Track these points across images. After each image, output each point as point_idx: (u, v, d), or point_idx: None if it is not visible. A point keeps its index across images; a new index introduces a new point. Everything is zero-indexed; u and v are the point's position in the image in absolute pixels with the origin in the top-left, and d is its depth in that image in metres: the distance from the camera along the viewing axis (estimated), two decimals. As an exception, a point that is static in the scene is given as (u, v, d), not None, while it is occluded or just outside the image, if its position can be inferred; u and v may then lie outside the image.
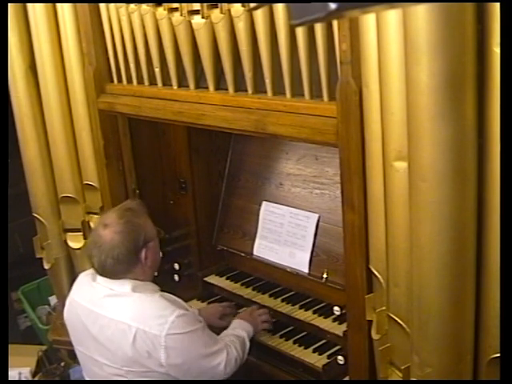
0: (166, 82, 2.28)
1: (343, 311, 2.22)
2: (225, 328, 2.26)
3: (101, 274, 2.02)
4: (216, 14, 1.94)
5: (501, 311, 1.37)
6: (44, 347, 3.19)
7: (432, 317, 1.48)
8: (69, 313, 2.14)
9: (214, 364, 2.00)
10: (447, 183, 1.37)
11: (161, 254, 2.17)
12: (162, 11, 2.11)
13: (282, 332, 2.37)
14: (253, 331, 2.21)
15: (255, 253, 2.63)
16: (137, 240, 1.99)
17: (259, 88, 1.98)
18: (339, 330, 2.24)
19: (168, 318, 1.91)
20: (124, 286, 1.99)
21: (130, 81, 2.42)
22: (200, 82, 2.18)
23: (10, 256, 2.72)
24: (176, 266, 2.83)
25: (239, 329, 2.19)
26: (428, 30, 1.27)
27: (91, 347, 2.03)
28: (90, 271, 2.12)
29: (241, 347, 2.11)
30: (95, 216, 2.73)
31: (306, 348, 2.26)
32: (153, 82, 2.34)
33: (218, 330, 2.23)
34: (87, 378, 2.17)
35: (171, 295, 2.06)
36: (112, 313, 1.97)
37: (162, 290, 2.09)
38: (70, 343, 2.23)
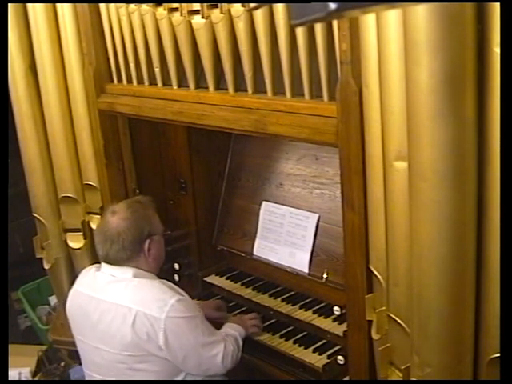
0: (166, 82, 2.28)
1: (343, 311, 2.22)
2: (219, 323, 2.28)
3: (104, 261, 2.06)
4: (216, 14, 1.94)
5: (501, 311, 1.37)
6: (44, 347, 3.19)
7: (432, 317, 1.48)
8: (71, 302, 2.17)
9: (212, 354, 2.03)
10: (447, 183, 1.37)
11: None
12: (161, 11, 2.11)
13: (282, 332, 2.37)
14: (244, 333, 2.22)
15: (255, 253, 2.63)
16: (142, 229, 2.05)
17: (259, 88, 1.98)
18: (339, 330, 2.24)
19: (168, 301, 1.94)
20: (126, 273, 2.03)
21: (130, 81, 2.42)
22: (200, 82, 2.18)
23: (10, 256, 2.72)
24: (176, 266, 2.83)
25: (230, 329, 2.21)
26: (428, 30, 1.27)
27: (91, 335, 2.05)
28: (95, 265, 2.16)
29: (235, 343, 2.13)
30: (95, 216, 2.73)
31: (306, 348, 2.26)
32: (153, 82, 2.34)
33: (213, 324, 2.23)
34: (86, 370, 2.18)
35: (170, 283, 2.10)
36: (113, 297, 2.00)
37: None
38: (70, 343, 2.24)
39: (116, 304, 1.98)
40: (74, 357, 2.40)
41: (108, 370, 2.04)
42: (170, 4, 2.07)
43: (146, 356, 1.97)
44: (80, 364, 2.32)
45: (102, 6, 2.36)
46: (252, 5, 1.84)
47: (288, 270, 2.51)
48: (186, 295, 2.10)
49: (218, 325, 2.33)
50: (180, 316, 1.95)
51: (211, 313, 2.42)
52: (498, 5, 1.25)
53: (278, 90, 1.93)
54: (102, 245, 2.05)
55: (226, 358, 2.05)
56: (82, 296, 2.10)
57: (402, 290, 1.62)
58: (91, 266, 2.20)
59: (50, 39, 2.53)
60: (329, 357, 2.19)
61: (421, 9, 1.25)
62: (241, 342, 2.17)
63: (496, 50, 1.29)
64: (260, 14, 1.83)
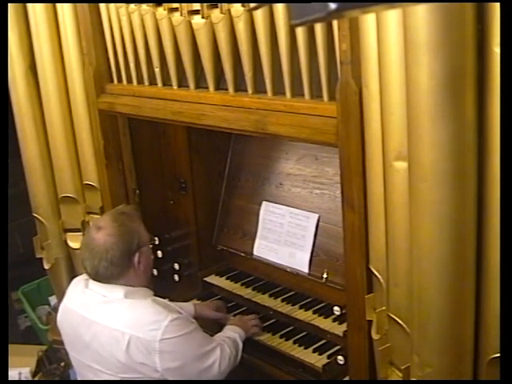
0: (166, 82, 2.28)
1: (343, 311, 2.21)
2: (219, 324, 2.29)
3: (93, 279, 2.01)
4: (216, 14, 1.94)
5: (501, 311, 1.37)
6: (44, 347, 3.18)
7: (432, 317, 1.48)
8: (62, 319, 2.13)
9: (209, 363, 2.00)
10: (447, 183, 1.37)
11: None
12: (161, 11, 2.11)
13: (282, 332, 2.37)
14: (244, 334, 2.22)
15: (255, 253, 2.63)
16: (130, 243, 1.98)
17: (259, 88, 1.98)
18: (339, 329, 2.24)
19: (162, 323, 1.90)
20: (116, 292, 1.99)
21: (130, 81, 2.42)
22: (200, 82, 2.18)
23: (10, 256, 2.72)
24: (176, 266, 2.83)
25: (230, 331, 2.20)
26: (428, 30, 1.27)
27: (85, 354, 2.03)
28: (83, 277, 2.10)
29: (233, 346, 2.11)
30: (95, 216, 2.73)
31: (306, 348, 2.26)
32: (153, 82, 2.34)
33: (212, 324, 2.23)
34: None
35: (163, 299, 2.06)
36: (105, 320, 1.96)
37: (158, 293, 2.09)
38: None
39: (108, 327, 1.94)
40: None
41: None
42: (170, 4, 2.07)
43: (141, 378, 1.94)
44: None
45: (102, 5, 2.36)
46: (252, 5, 1.84)
47: (288, 270, 2.51)
48: (180, 309, 2.08)
49: (218, 325, 2.33)
50: (174, 336, 1.91)
51: (211, 313, 2.42)
52: (497, 5, 1.25)
53: (278, 90, 1.93)
54: (89, 262, 1.97)
55: (222, 363, 2.03)
56: (73, 314, 2.05)
57: (402, 290, 1.62)
58: (80, 278, 2.13)
59: (50, 39, 2.53)
60: (329, 357, 2.19)
61: (421, 9, 1.25)
62: (241, 345, 2.15)
63: (496, 49, 1.29)
64: (260, 14, 1.83)
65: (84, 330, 2.00)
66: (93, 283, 2.02)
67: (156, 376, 1.93)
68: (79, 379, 2.19)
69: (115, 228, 1.98)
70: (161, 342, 1.89)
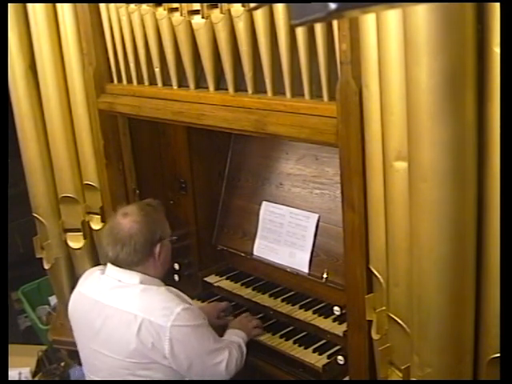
0: (166, 82, 2.29)
1: (343, 311, 2.22)
2: (222, 327, 2.29)
3: (113, 263, 2.04)
4: (216, 14, 1.94)
5: (501, 311, 1.37)
6: (44, 347, 3.19)
7: (432, 317, 1.48)
8: (73, 305, 2.15)
9: (217, 361, 2.02)
10: (447, 183, 1.37)
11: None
12: (161, 11, 2.11)
13: (282, 332, 2.37)
14: (246, 337, 2.22)
15: (255, 253, 2.63)
16: (154, 232, 2.03)
17: (259, 88, 1.98)
18: (339, 329, 2.24)
19: (174, 310, 1.93)
20: (133, 278, 2.02)
21: (130, 81, 2.43)
22: (200, 82, 2.19)
23: (10, 256, 2.73)
24: (176, 266, 2.83)
25: (233, 335, 2.21)
26: (428, 30, 1.27)
27: (94, 340, 2.04)
28: (99, 267, 2.15)
29: (239, 351, 2.13)
30: (95, 216, 2.74)
31: (306, 348, 2.26)
32: (153, 82, 2.34)
33: (215, 329, 2.23)
34: (87, 373, 2.17)
35: (177, 290, 2.08)
36: (118, 303, 1.98)
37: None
38: (70, 343, 2.24)
39: (121, 310, 1.96)
40: (74, 357, 2.40)
41: (110, 375, 2.03)
42: (170, 4, 2.07)
43: (149, 363, 1.95)
44: (80, 364, 2.32)
45: (102, 5, 2.36)
46: (252, 5, 1.84)
47: (288, 270, 2.51)
48: (192, 302, 2.10)
49: (219, 328, 2.32)
50: (186, 325, 1.93)
51: (214, 320, 2.40)
52: (497, 5, 1.25)
53: (278, 90, 1.93)
54: (111, 247, 2.01)
55: (230, 364, 2.04)
56: (86, 299, 2.08)
57: (402, 290, 1.62)
58: (95, 268, 2.19)
59: (50, 39, 2.53)
60: (329, 357, 2.19)
61: (421, 9, 1.25)
62: (245, 349, 2.16)
63: (496, 49, 1.29)
64: (260, 14, 1.83)
65: (95, 314, 2.02)
66: (110, 268, 2.05)
67: (164, 362, 1.95)
68: (85, 370, 2.19)
69: (141, 216, 2.03)
70: (172, 328, 1.91)
